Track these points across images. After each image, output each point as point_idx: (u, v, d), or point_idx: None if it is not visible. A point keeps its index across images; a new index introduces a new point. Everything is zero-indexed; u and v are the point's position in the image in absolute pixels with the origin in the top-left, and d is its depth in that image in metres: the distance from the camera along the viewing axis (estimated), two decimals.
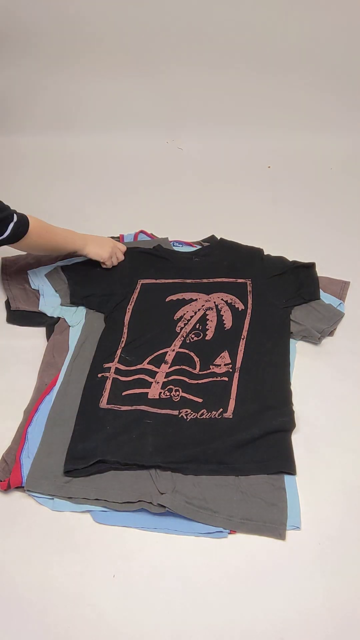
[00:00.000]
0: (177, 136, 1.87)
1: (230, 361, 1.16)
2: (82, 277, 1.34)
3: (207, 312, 1.25)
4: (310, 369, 1.21)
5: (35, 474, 1.02)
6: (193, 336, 1.20)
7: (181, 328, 1.22)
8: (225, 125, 1.85)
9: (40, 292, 1.32)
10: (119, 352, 1.18)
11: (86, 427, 1.07)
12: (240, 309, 1.26)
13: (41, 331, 1.29)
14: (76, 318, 1.28)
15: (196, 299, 1.28)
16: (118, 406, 1.10)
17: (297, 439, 1.09)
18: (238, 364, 1.16)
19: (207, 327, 1.22)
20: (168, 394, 1.11)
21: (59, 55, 1.74)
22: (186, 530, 0.97)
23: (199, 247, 1.45)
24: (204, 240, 1.47)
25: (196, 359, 1.17)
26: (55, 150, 1.83)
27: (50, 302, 1.30)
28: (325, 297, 1.31)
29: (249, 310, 1.25)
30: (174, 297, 1.28)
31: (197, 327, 1.22)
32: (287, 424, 1.07)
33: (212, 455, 1.03)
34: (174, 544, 0.96)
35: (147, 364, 1.16)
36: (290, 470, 1.02)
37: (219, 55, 1.72)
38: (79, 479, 1.01)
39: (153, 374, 1.14)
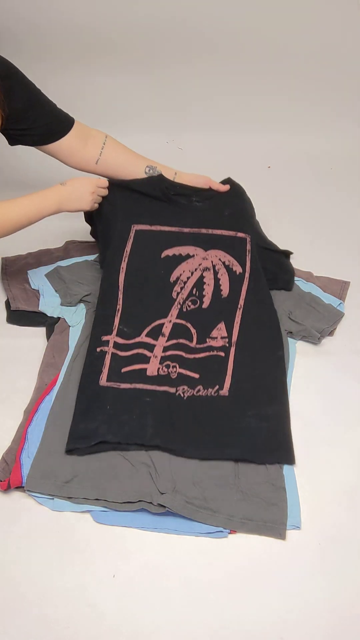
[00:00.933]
0: (177, 136, 1.87)
1: (226, 334, 1.16)
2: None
3: (204, 274, 1.23)
4: (310, 369, 1.21)
5: (36, 474, 1.02)
6: (190, 304, 1.20)
7: (177, 293, 1.21)
8: (225, 125, 1.85)
9: (40, 292, 1.32)
10: (116, 321, 1.18)
11: (87, 406, 1.08)
12: (237, 273, 1.24)
13: (41, 331, 1.29)
14: (76, 318, 1.28)
15: (193, 256, 1.25)
16: (117, 384, 1.10)
17: (297, 439, 1.09)
18: (234, 338, 1.16)
19: (203, 293, 1.21)
20: (166, 370, 1.12)
21: (59, 55, 1.74)
22: (186, 530, 0.97)
23: None
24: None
25: (193, 330, 1.17)
26: None
27: (50, 301, 1.30)
28: (325, 297, 1.31)
29: (246, 275, 1.24)
30: (169, 253, 1.25)
31: (193, 292, 1.21)
32: (283, 412, 1.08)
33: (211, 441, 1.04)
34: (174, 544, 0.96)
35: (145, 336, 1.16)
36: (289, 461, 1.03)
37: (219, 55, 1.72)
38: (78, 479, 1.01)
39: (151, 348, 1.15)
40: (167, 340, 1.16)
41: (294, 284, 1.33)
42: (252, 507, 0.99)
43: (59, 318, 1.29)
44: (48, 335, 1.27)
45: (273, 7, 1.62)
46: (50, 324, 1.29)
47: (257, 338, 1.17)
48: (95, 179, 1.28)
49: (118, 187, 1.32)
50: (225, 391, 1.10)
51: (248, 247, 1.28)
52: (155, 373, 1.12)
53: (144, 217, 1.31)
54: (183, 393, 1.09)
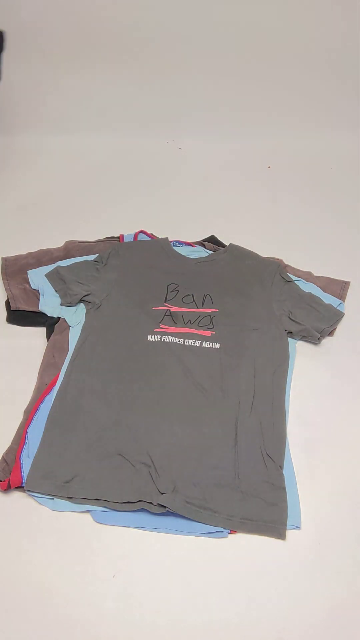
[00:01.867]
0: (177, 136, 1.87)
1: None
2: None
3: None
4: (310, 369, 1.21)
5: (36, 474, 1.02)
6: None
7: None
8: (225, 125, 1.85)
9: (40, 292, 1.32)
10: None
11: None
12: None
13: (41, 331, 1.29)
14: (76, 318, 1.28)
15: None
16: None
17: (297, 439, 1.09)
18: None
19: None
20: None
21: (59, 55, 1.74)
22: (186, 530, 0.97)
23: (198, 247, 1.44)
24: (205, 240, 1.46)
25: None
26: (55, 150, 1.84)
27: (50, 301, 1.30)
28: (325, 297, 1.31)
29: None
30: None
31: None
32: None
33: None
34: (174, 544, 0.97)
35: None
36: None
37: (219, 55, 1.72)
38: (79, 478, 1.01)
39: None
40: None
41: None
42: (252, 507, 0.99)
43: (59, 318, 1.29)
44: (48, 335, 1.27)
45: (273, 7, 1.62)
46: (50, 324, 1.28)
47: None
48: None
49: None
50: None
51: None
52: None
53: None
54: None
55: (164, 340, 1.21)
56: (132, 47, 1.71)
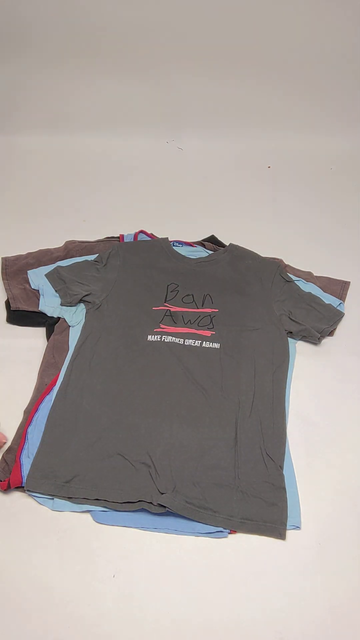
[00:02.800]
0: (177, 136, 1.87)
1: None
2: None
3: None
4: (310, 370, 1.21)
5: (35, 474, 1.02)
6: None
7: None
8: (225, 125, 1.85)
9: (41, 292, 1.32)
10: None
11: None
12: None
13: (41, 331, 1.29)
14: (76, 318, 1.28)
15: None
16: None
17: (297, 439, 1.09)
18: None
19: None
20: None
21: (60, 56, 1.73)
22: (186, 530, 0.97)
23: (198, 247, 1.44)
24: (205, 240, 1.47)
25: None
26: (55, 150, 1.84)
27: (50, 302, 1.30)
28: (325, 297, 1.31)
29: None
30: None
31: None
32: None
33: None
34: (174, 544, 0.97)
35: None
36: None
37: (219, 55, 1.72)
38: (79, 478, 1.02)
39: None
40: None
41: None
42: (252, 507, 0.99)
43: (59, 318, 1.28)
44: (48, 335, 1.27)
45: (273, 7, 1.62)
46: (50, 324, 1.28)
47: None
48: None
49: None
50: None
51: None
52: None
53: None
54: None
55: (164, 340, 1.21)
56: (133, 47, 1.71)
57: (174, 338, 1.22)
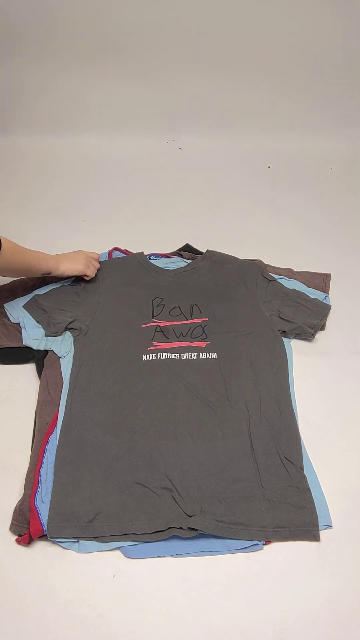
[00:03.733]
0: (177, 136, 1.87)
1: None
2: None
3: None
4: (310, 369, 1.21)
5: (56, 518, 0.96)
6: None
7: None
8: (225, 125, 1.85)
9: (22, 325, 1.23)
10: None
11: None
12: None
13: (30, 368, 1.21)
14: (64, 348, 1.20)
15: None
16: None
17: None
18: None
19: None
20: None
21: (60, 56, 1.73)
22: (221, 550, 0.95)
23: (175, 257, 1.41)
24: (180, 250, 1.43)
25: None
26: (55, 150, 1.84)
27: (34, 334, 1.22)
28: (310, 292, 1.31)
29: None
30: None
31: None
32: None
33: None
34: None
35: None
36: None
37: (219, 55, 1.72)
38: (101, 516, 0.97)
39: None
40: None
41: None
42: (282, 513, 0.97)
43: (46, 351, 1.21)
44: (39, 372, 1.18)
45: (273, 7, 1.62)
46: (38, 358, 1.20)
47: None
48: (86, 251, 1.32)
49: None
50: None
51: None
52: None
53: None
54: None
55: (159, 357, 1.18)
56: (133, 47, 1.71)
57: (169, 354, 1.18)
